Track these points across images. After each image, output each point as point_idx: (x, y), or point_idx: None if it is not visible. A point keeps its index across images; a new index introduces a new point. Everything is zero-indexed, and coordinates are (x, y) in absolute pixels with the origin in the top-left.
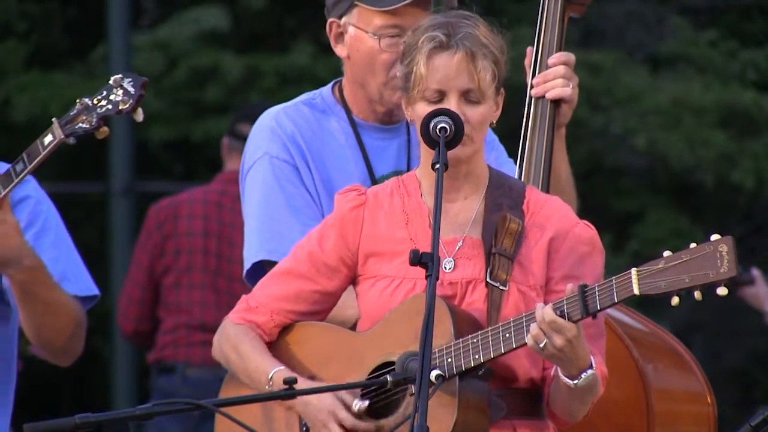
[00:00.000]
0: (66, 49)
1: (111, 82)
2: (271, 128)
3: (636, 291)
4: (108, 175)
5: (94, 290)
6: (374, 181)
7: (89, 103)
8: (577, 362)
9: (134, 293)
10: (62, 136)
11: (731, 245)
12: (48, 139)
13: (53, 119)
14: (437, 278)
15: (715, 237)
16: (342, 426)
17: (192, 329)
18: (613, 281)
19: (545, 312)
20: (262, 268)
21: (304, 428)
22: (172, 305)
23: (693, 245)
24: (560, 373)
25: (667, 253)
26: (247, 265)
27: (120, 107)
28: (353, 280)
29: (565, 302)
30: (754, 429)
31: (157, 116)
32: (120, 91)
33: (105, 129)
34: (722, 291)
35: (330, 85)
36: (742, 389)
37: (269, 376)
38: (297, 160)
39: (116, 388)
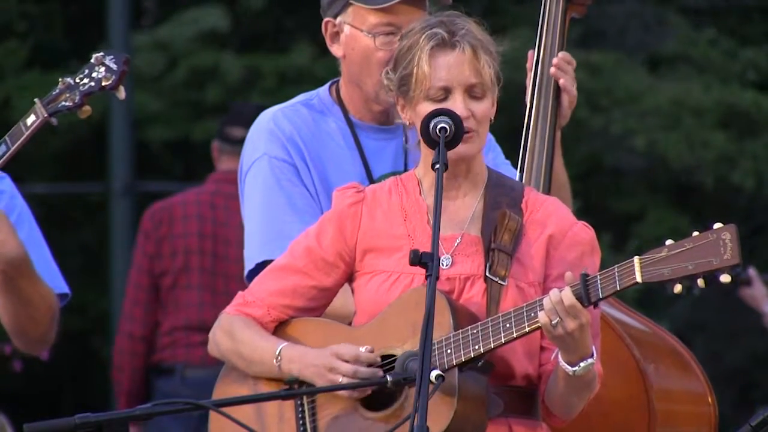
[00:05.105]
0: (66, 49)
1: (92, 60)
2: (269, 129)
3: (639, 279)
4: (108, 175)
5: (65, 288)
6: (372, 181)
7: (71, 81)
8: (580, 349)
9: (139, 296)
10: (45, 116)
11: (734, 233)
12: (31, 119)
13: (35, 99)
14: (437, 278)
15: (717, 225)
16: (345, 361)
17: (190, 330)
18: (615, 270)
19: (565, 296)
20: (264, 268)
21: (300, 420)
22: (170, 307)
23: (695, 233)
24: (560, 360)
25: (669, 242)
26: (249, 265)
27: (103, 83)
28: (350, 277)
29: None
30: (754, 429)
31: (157, 116)
32: (102, 68)
33: (87, 108)
34: (725, 278)
35: (327, 85)
36: (742, 389)
37: (276, 352)
38: (296, 160)
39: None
